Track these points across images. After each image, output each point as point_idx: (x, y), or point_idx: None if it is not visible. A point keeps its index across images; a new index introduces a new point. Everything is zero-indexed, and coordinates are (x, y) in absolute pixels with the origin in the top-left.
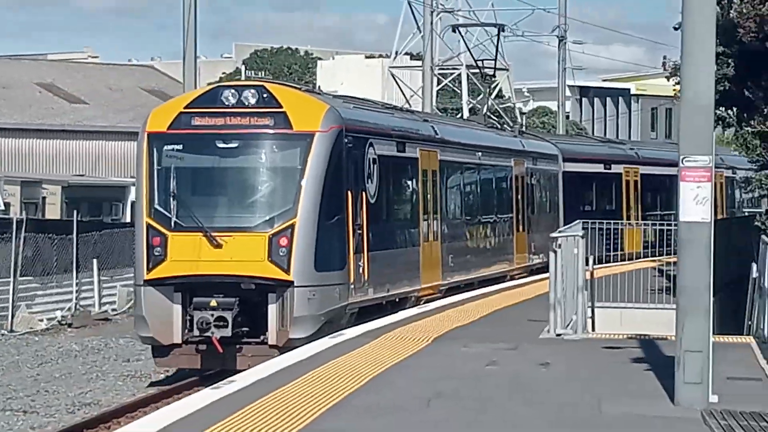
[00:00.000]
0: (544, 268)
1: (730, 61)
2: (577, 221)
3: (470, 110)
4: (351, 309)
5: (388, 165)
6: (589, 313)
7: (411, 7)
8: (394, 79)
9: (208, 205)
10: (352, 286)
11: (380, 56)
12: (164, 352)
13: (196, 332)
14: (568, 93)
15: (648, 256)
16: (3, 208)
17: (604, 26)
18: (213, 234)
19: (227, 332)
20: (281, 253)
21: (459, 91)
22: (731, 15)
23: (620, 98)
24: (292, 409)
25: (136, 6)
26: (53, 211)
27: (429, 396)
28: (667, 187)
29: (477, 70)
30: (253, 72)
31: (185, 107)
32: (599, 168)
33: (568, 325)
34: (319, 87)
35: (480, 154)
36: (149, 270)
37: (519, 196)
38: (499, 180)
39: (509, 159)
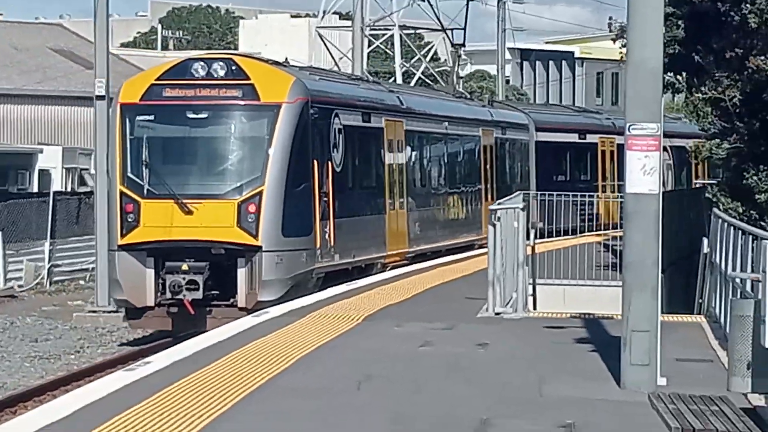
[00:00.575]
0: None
1: (680, 22)
2: (518, 193)
3: (404, 74)
4: (318, 273)
5: (354, 135)
6: (530, 291)
7: None
8: (322, 40)
9: (179, 174)
10: (319, 252)
11: (307, 16)
12: (137, 315)
13: (168, 295)
14: (508, 56)
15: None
16: None
17: None
18: (184, 201)
19: (198, 295)
20: (250, 220)
21: (392, 54)
22: None
23: (563, 62)
24: (213, 393)
25: None
26: None
27: (359, 378)
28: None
29: (410, 32)
30: (170, 32)
31: (156, 79)
32: (573, 138)
33: (507, 303)
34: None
35: (447, 124)
36: (123, 235)
37: (487, 166)
38: (467, 150)
39: (477, 129)
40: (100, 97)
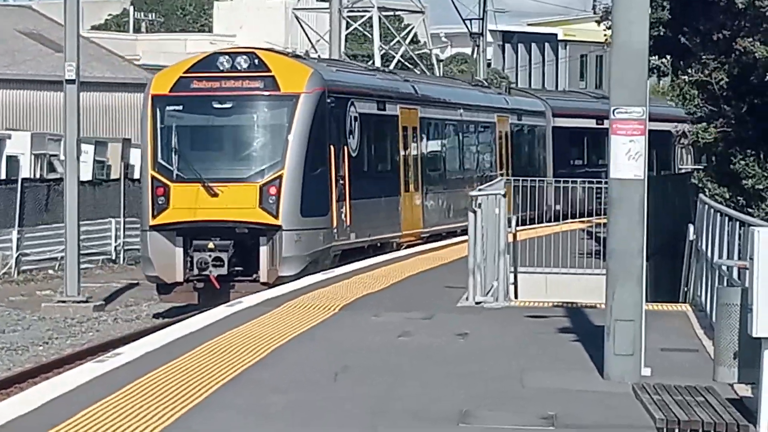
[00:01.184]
0: (526, 221)
1: (665, 3)
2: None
3: (382, 56)
4: (334, 251)
5: (369, 122)
6: (512, 279)
7: None
8: (299, 23)
9: (205, 159)
10: (335, 231)
11: None
12: (168, 290)
13: (195, 271)
14: (489, 39)
15: None
16: None
17: None
18: (210, 184)
19: (224, 271)
20: (270, 201)
21: (370, 36)
22: None
23: (546, 44)
24: (184, 385)
25: None
26: None
27: (336, 370)
28: (665, 143)
29: (390, 13)
30: (142, 14)
31: (185, 72)
32: (591, 123)
33: (488, 292)
34: (307, 53)
35: (461, 111)
36: (154, 217)
37: (503, 151)
38: (482, 135)
39: (492, 115)
40: (70, 81)
